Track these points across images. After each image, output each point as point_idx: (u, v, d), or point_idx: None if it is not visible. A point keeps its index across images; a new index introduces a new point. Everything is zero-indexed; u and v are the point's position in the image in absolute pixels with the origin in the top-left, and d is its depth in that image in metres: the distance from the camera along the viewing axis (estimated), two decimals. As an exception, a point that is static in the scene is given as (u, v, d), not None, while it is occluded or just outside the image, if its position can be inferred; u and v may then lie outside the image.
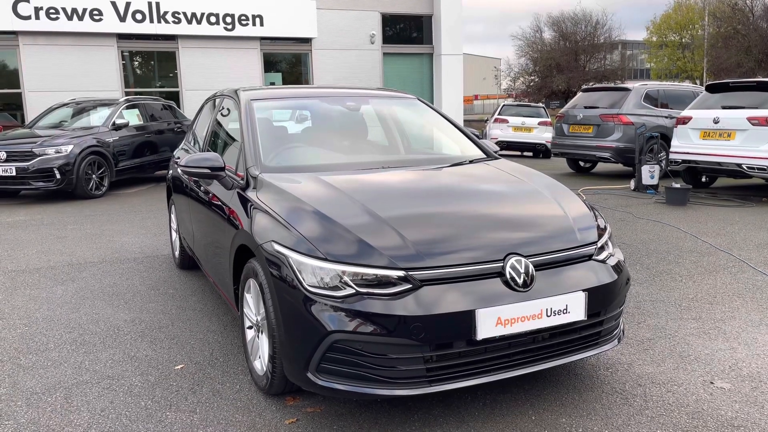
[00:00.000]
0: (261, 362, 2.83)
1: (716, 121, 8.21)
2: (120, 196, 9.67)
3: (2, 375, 3.15)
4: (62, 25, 13.55)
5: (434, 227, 2.65)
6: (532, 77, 45.79)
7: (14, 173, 8.68)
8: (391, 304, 2.32)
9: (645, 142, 9.17)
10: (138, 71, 15.44)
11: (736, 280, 4.60)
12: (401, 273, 2.37)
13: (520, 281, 2.44)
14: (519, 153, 16.94)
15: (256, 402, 2.81)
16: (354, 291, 2.36)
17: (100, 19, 13.83)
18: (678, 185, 8.04)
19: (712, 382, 2.94)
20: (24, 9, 13.25)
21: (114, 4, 13.91)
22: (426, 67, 17.45)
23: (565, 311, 2.48)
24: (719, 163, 8.18)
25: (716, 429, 2.53)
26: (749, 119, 7.84)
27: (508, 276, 2.45)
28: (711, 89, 8.94)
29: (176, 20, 14.48)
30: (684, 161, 8.64)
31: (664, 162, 9.98)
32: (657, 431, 2.51)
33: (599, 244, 2.77)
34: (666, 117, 10.41)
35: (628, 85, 11.21)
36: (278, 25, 15.39)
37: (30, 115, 13.28)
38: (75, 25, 13.65)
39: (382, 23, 16.69)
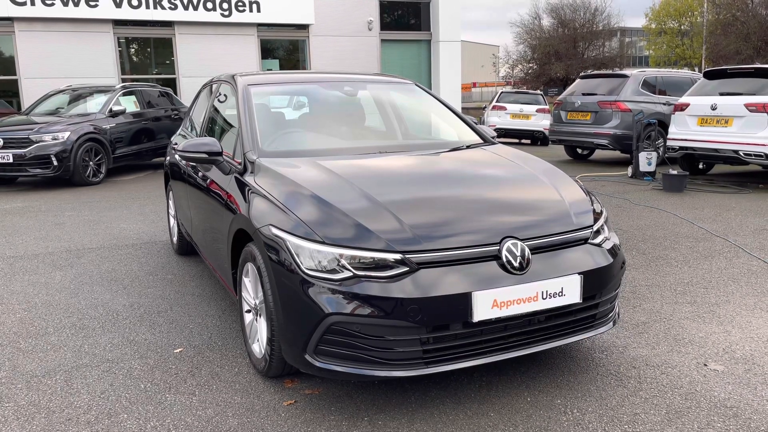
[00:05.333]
0: (259, 345, 2.86)
1: (714, 108, 8.20)
2: (117, 183, 9.66)
3: (2, 358, 3.17)
4: (58, 11, 13.46)
5: (431, 211, 2.67)
6: (531, 64, 45.68)
7: (11, 160, 8.67)
8: (388, 287, 2.34)
9: (642, 128, 9.17)
10: (134, 58, 15.37)
11: (731, 265, 4.63)
12: (398, 256, 2.39)
13: (516, 264, 2.46)
14: (517, 140, 16.90)
15: (254, 384, 2.84)
16: (351, 274, 2.38)
17: (96, 5, 13.74)
18: (675, 172, 8.06)
19: (705, 365, 2.97)
20: (19, -5, 13.17)
21: (110, -10, 13.83)
22: (424, 54, 17.37)
23: (560, 294, 2.50)
24: (716, 150, 8.19)
25: (709, 410, 2.56)
26: (747, 106, 7.84)
27: (504, 259, 2.47)
28: (709, 76, 8.92)
29: (173, 6, 14.38)
30: (681, 148, 8.64)
31: (661, 149, 9.99)
32: (651, 412, 2.54)
33: (595, 228, 2.79)
34: (664, 104, 10.40)
35: (626, 71, 11.18)
36: (275, 11, 15.30)
37: (26, 101, 13.25)
38: (71, 11, 13.56)
39: (380, 9, 16.59)
